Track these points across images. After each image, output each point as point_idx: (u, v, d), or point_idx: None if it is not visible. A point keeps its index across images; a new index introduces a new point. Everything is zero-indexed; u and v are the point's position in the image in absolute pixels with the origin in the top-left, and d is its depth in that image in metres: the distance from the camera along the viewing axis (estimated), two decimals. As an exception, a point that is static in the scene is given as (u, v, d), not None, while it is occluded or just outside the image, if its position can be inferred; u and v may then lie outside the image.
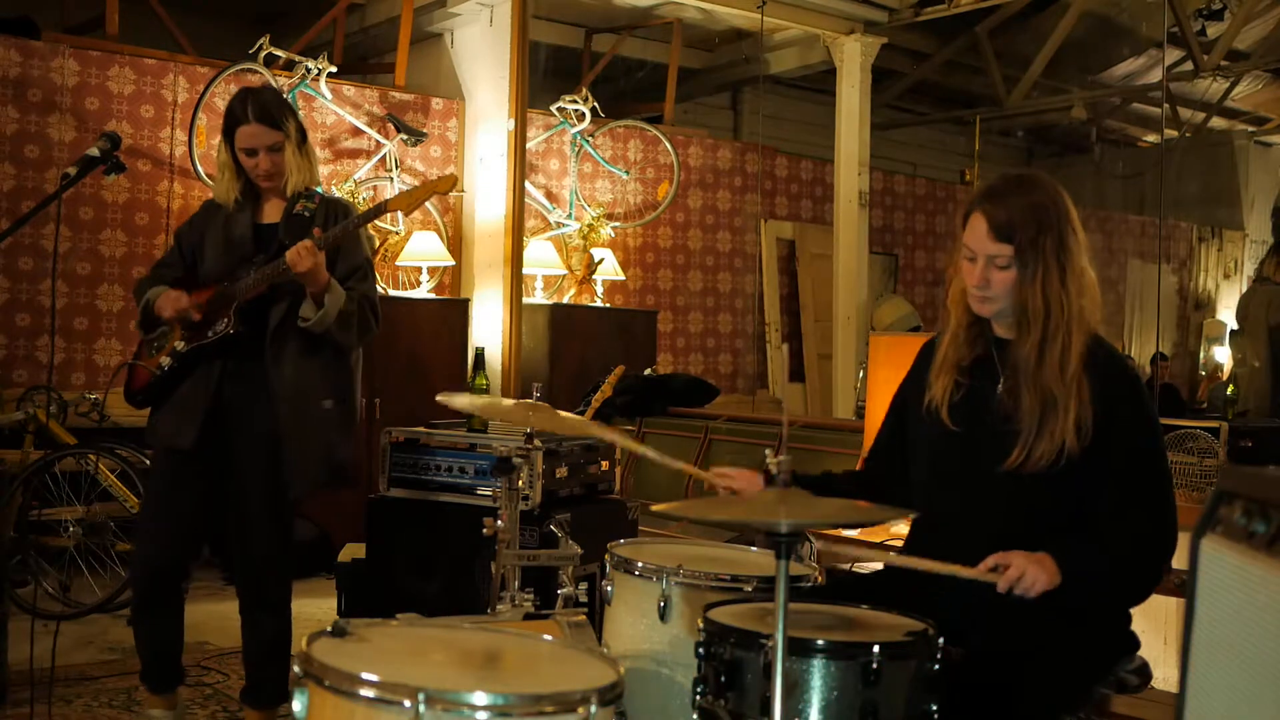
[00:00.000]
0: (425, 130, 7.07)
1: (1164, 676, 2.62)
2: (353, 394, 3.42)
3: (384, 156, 6.91)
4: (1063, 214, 2.31)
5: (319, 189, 3.42)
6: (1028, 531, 2.27)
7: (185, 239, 3.43)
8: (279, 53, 6.47)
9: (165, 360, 3.29)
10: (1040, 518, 2.30)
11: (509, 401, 3.21)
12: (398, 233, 6.90)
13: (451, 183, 3.37)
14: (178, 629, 3.40)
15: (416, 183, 7.07)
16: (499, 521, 2.84)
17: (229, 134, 3.27)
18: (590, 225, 7.73)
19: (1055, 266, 2.28)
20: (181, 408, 3.27)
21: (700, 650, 2.08)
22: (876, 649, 1.95)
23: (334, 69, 6.64)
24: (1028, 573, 2.15)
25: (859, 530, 2.47)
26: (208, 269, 3.34)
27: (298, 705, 1.62)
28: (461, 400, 3.04)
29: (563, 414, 2.88)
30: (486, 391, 3.95)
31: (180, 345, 3.28)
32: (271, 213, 3.36)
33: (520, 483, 2.94)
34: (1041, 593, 2.15)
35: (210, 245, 3.35)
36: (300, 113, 6.50)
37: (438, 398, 3.05)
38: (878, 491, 2.48)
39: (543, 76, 8.14)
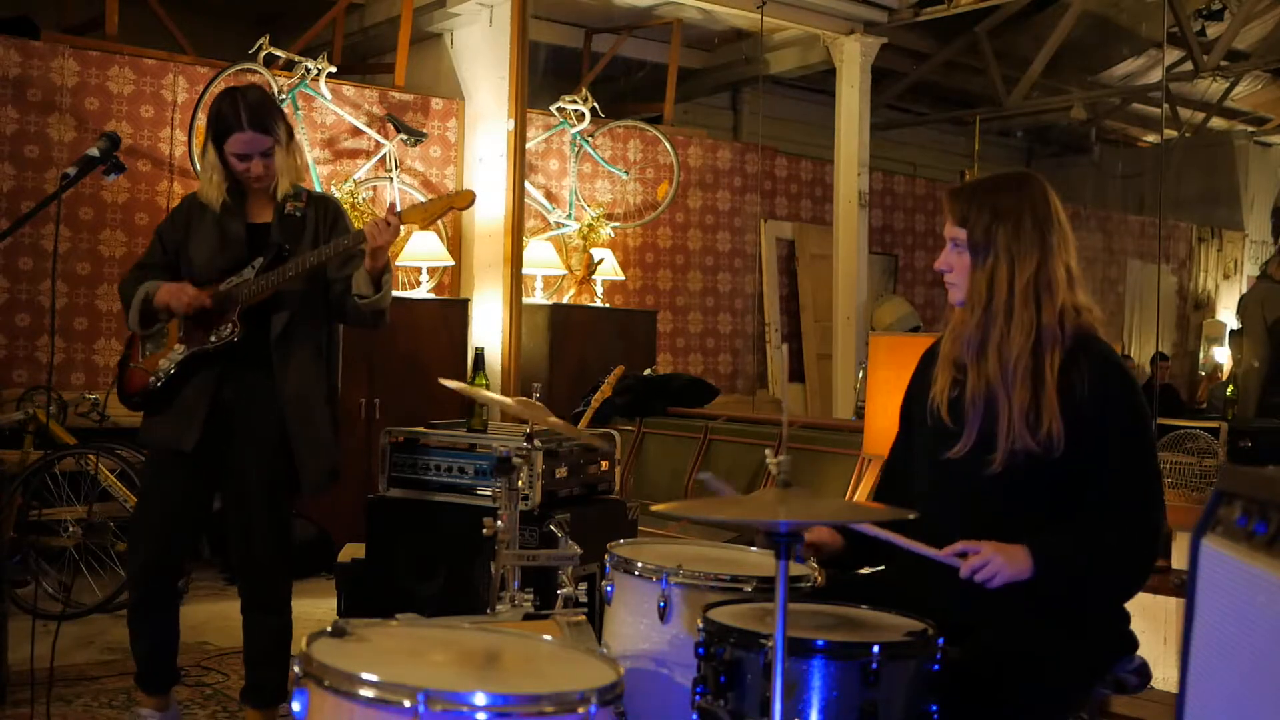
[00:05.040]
0: (425, 130, 7.07)
1: (1164, 676, 2.62)
2: (337, 391, 3.46)
3: (384, 156, 6.91)
4: (1027, 209, 2.32)
5: (304, 187, 3.38)
6: (1019, 527, 2.27)
7: (168, 236, 3.36)
8: (279, 53, 6.47)
9: (165, 364, 3.25)
10: (1030, 513, 2.29)
11: (506, 399, 3.22)
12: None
13: (470, 199, 3.33)
14: (173, 629, 3.40)
15: (415, 182, 7.08)
16: (499, 522, 2.84)
17: (219, 138, 3.22)
18: (590, 225, 7.73)
19: (1005, 256, 2.30)
20: (182, 411, 3.25)
21: (700, 650, 2.08)
22: (876, 649, 1.95)
23: (334, 69, 6.64)
24: (992, 562, 2.17)
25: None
26: (199, 269, 3.28)
27: (297, 705, 1.63)
28: (457, 384, 3.07)
29: (552, 419, 2.88)
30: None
31: (179, 349, 3.25)
32: (261, 213, 3.32)
33: (520, 483, 2.94)
34: (1004, 583, 2.16)
35: (200, 244, 3.29)
36: (300, 113, 6.51)
37: (440, 380, 3.09)
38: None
39: (542, 76, 8.14)
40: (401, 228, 3.22)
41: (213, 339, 3.22)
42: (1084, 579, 2.25)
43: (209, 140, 3.27)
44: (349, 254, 3.23)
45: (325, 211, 3.33)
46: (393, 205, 3.23)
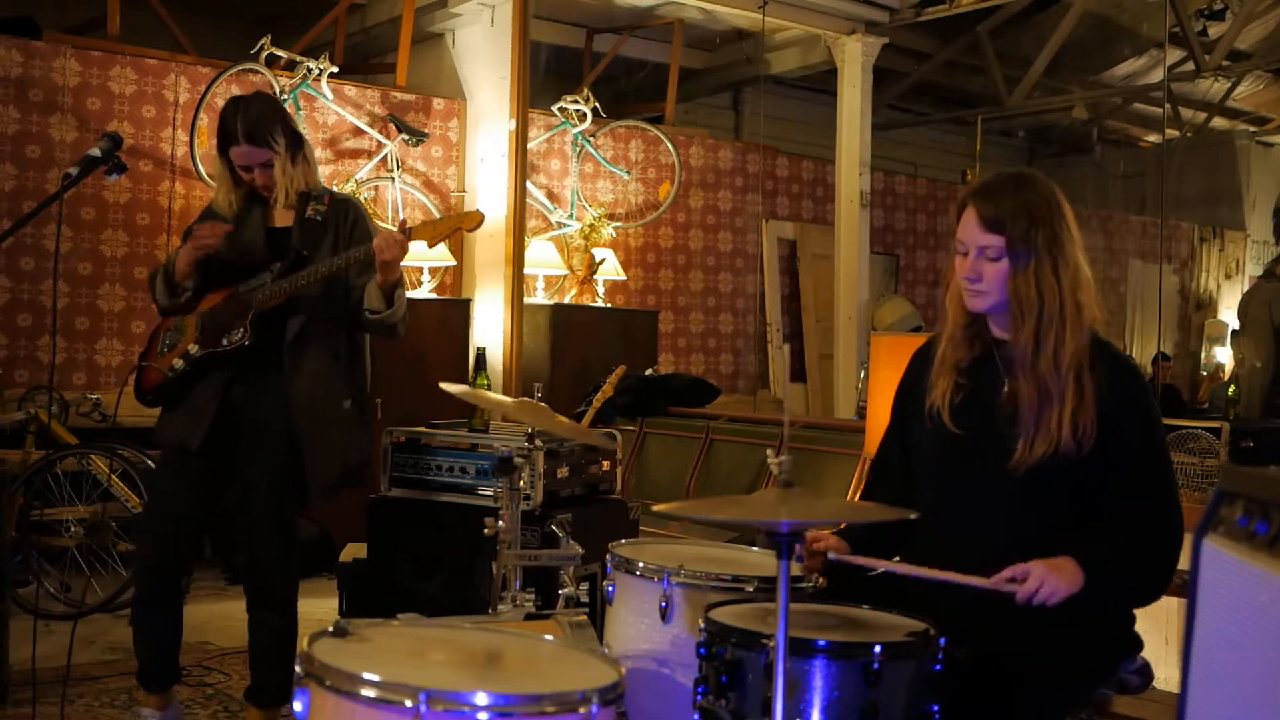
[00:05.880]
0: (426, 130, 7.07)
1: (1165, 677, 2.62)
2: (366, 391, 3.45)
3: (385, 157, 6.92)
4: (1055, 209, 2.30)
5: (325, 189, 3.42)
6: (1034, 533, 2.26)
7: None
8: (280, 53, 6.47)
9: (178, 363, 3.30)
10: (1046, 518, 2.29)
11: (506, 398, 3.22)
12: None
13: (478, 220, 3.37)
14: (176, 628, 3.43)
15: (417, 183, 7.08)
16: (500, 521, 2.84)
17: (222, 147, 3.29)
18: (591, 225, 7.73)
19: (1048, 259, 2.27)
20: (192, 410, 3.29)
21: (701, 650, 2.08)
22: (878, 649, 1.95)
23: (335, 69, 6.64)
24: (1046, 582, 2.12)
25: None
26: (221, 270, 3.35)
27: (299, 705, 1.63)
28: (458, 389, 3.06)
29: (559, 418, 2.87)
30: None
31: (194, 349, 3.29)
32: (282, 216, 3.37)
33: (521, 483, 2.94)
34: (1063, 600, 2.13)
35: (222, 247, 3.34)
36: (301, 113, 6.51)
37: (441, 384, 3.08)
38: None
39: (544, 76, 8.14)
40: (405, 247, 3.22)
41: (224, 342, 3.27)
42: (1128, 581, 2.24)
43: (217, 150, 3.34)
44: (365, 262, 3.24)
45: (345, 215, 3.36)
46: (404, 222, 3.25)
